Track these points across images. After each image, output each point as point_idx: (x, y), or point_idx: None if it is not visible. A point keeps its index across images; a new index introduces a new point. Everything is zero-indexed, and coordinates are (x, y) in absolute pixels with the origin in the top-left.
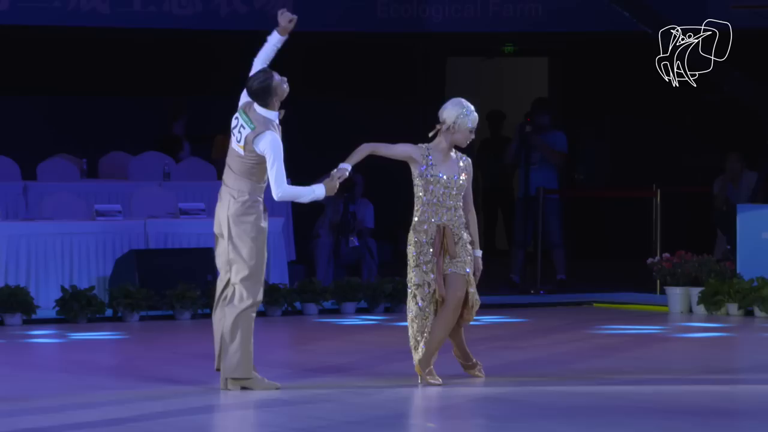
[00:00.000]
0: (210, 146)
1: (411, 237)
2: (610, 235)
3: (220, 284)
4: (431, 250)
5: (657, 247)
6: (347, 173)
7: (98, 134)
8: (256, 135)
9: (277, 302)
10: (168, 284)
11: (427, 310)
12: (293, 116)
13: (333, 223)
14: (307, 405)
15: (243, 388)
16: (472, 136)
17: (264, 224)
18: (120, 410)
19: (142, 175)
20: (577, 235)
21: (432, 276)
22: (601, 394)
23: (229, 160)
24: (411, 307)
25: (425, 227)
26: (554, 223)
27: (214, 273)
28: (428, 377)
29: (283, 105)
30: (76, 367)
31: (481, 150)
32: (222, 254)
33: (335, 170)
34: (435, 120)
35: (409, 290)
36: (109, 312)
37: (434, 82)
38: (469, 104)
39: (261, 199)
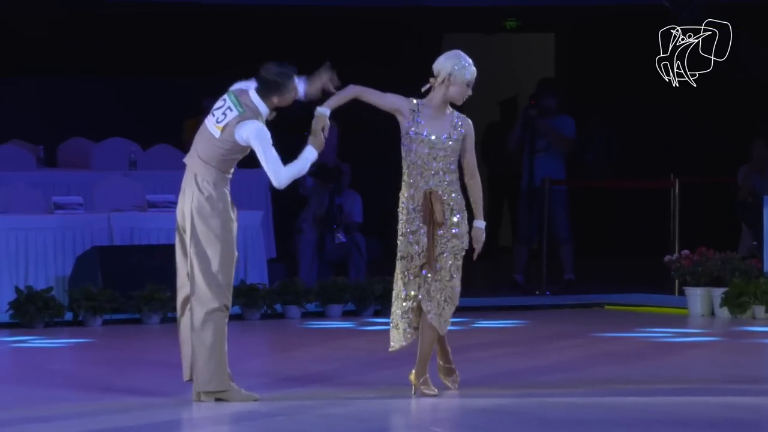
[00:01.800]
0: (180, 131)
1: (400, 202)
2: (623, 230)
3: (182, 289)
4: (418, 217)
5: (675, 243)
6: (327, 120)
7: (57, 118)
8: (241, 120)
9: (256, 304)
10: (135, 285)
11: (411, 292)
12: None
13: (317, 217)
14: (287, 417)
15: (218, 399)
16: (470, 92)
17: (232, 219)
18: (82, 424)
19: (106, 164)
20: (586, 230)
21: (416, 248)
22: (612, 406)
23: (198, 142)
24: (396, 281)
25: (412, 192)
26: (561, 217)
27: None
28: (423, 387)
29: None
30: (33, 377)
31: (487, 134)
32: (184, 251)
33: (313, 121)
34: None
35: (397, 261)
36: (68, 315)
37: (429, 60)
38: (466, 56)
39: (227, 191)
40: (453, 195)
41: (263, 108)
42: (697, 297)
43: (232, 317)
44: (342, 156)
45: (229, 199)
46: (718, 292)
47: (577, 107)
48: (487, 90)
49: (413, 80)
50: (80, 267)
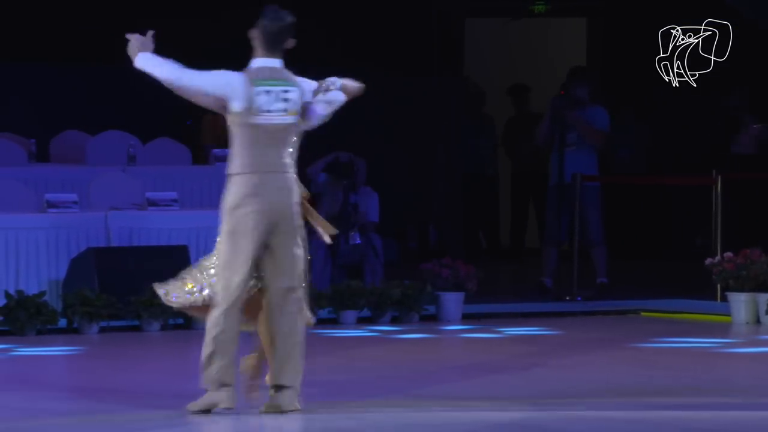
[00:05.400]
0: (198, 130)
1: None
2: (660, 231)
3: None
4: None
5: (717, 244)
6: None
7: (49, 109)
8: (303, 88)
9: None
10: (133, 289)
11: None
12: None
13: (330, 216)
14: (296, 431)
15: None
16: None
17: None
18: None
19: (103, 159)
20: (621, 231)
21: None
22: (649, 421)
23: (271, 141)
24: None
25: None
26: (594, 216)
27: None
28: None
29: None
30: (24, 388)
31: (508, 130)
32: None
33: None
34: (448, 91)
35: None
36: (62, 322)
37: (450, 47)
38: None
39: None
40: None
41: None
42: (740, 303)
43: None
44: (357, 150)
45: None
46: (764, 298)
47: (609, 98)
48: (515, 80)
49: (434, 67)
50: (75, 270)
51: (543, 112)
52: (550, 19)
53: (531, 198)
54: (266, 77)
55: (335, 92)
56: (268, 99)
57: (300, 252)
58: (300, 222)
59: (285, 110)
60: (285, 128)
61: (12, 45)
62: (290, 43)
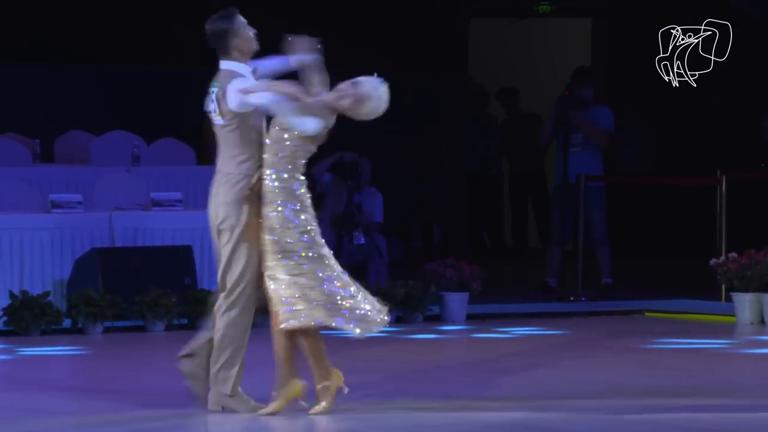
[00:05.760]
0: (200, 129)
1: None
2: (664, 230)
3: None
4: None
5: (722, 245)
6: None
7: (54, 109)
8: (224, 87)
9: (267, 310)
10: (138, 289)
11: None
12: None
13: (334, 217)
14: (299, 431)
15: (224, 408)
16: None
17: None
18: None
19: (107, 159)
20: (625, 231)
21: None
22: (651, 422)
23: (218, 142)
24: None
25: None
26: (598, 216)
27: (193, 275)
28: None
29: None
30: (27, 388)
31: (503, 133)
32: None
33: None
34: (452, 91)
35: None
36: (67, 322)
37: (454, 48)
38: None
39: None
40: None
41: (239, 68)
42: (745, 303)
43: None
44: (361, 150)
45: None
46: None
47: (614, 99)
48: (518, 80)
49: (438, 68)
50: (79, 270)
51: (536, 112)
52: (554, 20)
53: (529, 199)
54: (214, 80)
55: (256, 95)
56: (208, 101)
57: (225, 254)
58: (227, 221)
59: (214, 111)
60: (220, 129)
61: (15, 45)
62: (235, 44)
